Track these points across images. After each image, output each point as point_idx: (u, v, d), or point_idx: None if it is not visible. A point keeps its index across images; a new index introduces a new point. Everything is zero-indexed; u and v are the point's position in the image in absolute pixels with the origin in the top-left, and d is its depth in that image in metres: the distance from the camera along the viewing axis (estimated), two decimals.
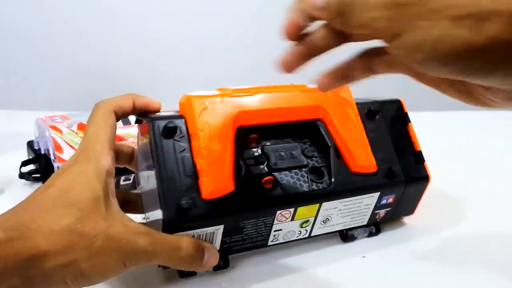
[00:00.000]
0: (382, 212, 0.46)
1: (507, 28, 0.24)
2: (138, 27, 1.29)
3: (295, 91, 0.42)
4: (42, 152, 0.58)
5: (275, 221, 0.40)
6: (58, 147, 0.55)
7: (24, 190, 0.58)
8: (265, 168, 0.40)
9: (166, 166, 0.36)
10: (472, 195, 0.58)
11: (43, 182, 0.57)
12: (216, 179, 0.36)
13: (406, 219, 0.51)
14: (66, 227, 0.31)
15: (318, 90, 0.34)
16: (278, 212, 0.40)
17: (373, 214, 0.46)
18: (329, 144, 0.42)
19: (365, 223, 0.46)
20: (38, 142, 0.60)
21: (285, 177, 0.40)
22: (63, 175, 0.35)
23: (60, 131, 0.57)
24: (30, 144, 0.63)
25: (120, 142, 0.43)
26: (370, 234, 0.47)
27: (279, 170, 0.40)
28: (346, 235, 0.46)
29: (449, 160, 0.71)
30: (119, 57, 1.29)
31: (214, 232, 0.38)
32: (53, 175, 0.35)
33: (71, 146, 0.54)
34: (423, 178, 0.47)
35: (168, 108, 0.42)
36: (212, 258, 0.37)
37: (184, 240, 0.35)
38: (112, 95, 0.42)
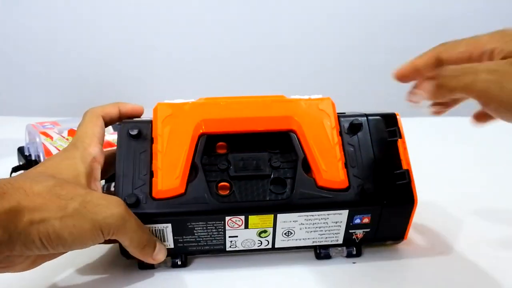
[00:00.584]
0: (359, 233, 0.44)
1: None
2: (130, 35, 1.29)
3: (270, 101, 0.43)
4: (33, 158, 0.59)
5: (227, 227, 0.41)
6: (48, 153, 0.56)
7: None
8: (225, 175, 0.41)
9: (125, 164, 0.40)
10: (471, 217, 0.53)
11: None
12: (166, 181, 0.39)
13: (400, 245, 0.47)
14: (45, 188, 0.34)
15: (293, 101, 0.39)
16: (228, 218, 0.40)
17: (348, 233, 0.43)
18: (298, 156, 0.42)
19: (340, 242, 0.44)
20: (28, 148, 0.60)
21: (244, 186, 0.41)
22: (50, 159, 0.39)
23: (51, 137, 0.57)
24: (20, 150, 0.63)
25: (110, 148, 0.44)
26: (349, 255, 0.45)
27: (238, 178, 0.41)
28: (319, 253, 0.44)
29: (456, 172, 0.67)
30: (110, 65, 1.30)
31: (163, 229, 0.40)
32: (41, 162, 0.39)
33: None
34: (407, 200, 0.42)
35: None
36: (160, 253, 0.40)
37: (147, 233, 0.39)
38: (103, 102, 0.44)
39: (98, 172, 0.40)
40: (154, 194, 0.39)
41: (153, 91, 1.28)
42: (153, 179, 0.40)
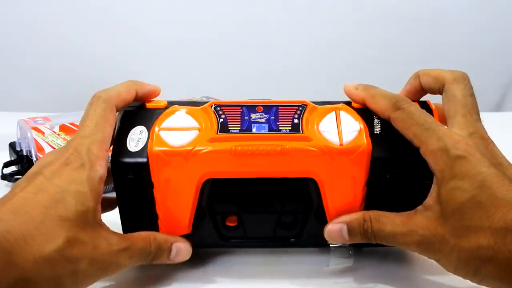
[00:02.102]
0: None
1: None
2: (124, 29, 1.27)
3: (290, 151, 0.36)
4: (24, 153, 0.58)
5: None
6: (40, 149, 0.56)
7: (6, 191, 0.58)
8: (233, 208, 0.39)
9: (128, 205, 0.39)
10: None
11: None
12: (172, 225, 0.39)
13: None
14: (55, 252, 0.31)
15: (320, 152, 0.36)
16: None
17: None
18: (312, 202, 0.39)
19: None
20: (20, 143, 0.60)
21: (253, 220, 0.40)
22: (53, 180, 0.33)
23: (42, 133, 0.57)
24: (12, 146, 0.63)
25: None
26: None
27: (247, 211, 0.40)
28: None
29: None
30: (103, 59, 1.29)
31: None
32: (42, 174, 0.33)
33: (53, 148, 0.55)
34: None
35: None
36: (182, 252, 0.39)
37: (149, 237, 0.37)
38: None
39: (101, 193, 0.35)
40: (160, 232, 0.39)
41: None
42: (159, 221, 0.39)
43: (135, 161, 0.37)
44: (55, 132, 0.58)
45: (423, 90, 0.41)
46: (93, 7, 1.24)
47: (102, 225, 0.35)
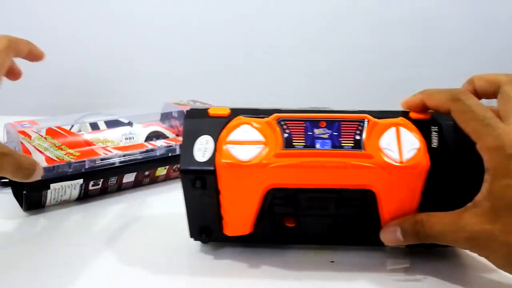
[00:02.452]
0: None
1: None
2: (115, 34, 1.26)
3: (351, 167, 0.38)
4: None
5: None
6: (27, 152, 0.56)
7: None
8: (292, 211, 0.42)
9: (194, 207, 0.42)
10: None
11: (12, 188, 0.58)
12: (235, 226, 0.42)
13: None
14: None
15: (381, 167, 0.38)
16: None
17: None
18: (368, 209, 0.41)
19: None
20: None
21: (309, 221, 0.43)
22: None
23: (29, 136, 0.58)
24: None
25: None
26: None
27: (305, 215, 0.43)
28: None
29: None
30: (93, 64, 1.28)
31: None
32: None
33: (40, 151, 0.55)
34: None
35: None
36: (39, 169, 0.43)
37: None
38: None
39: None
40: (224, 232, 0.43)
41: (138, 90, 1.27)
42: (223, 221, 0.42)
43: (202, 171, 0.39)
44: (42, 136, 0.59)
45: (477, 95, 0.41)
46: (81, 12, 1.24)
47: None
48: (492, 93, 0.40)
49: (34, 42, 0.53)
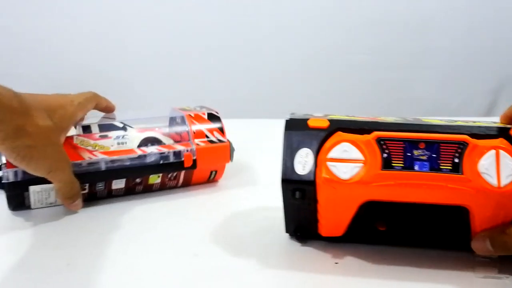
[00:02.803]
0: None
1: None
2: (113, 36, 1.27)
3: (448, 189, 0.39)
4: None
5: None
6: None
7: None
8: (385, 218, 0.45)
9: (293, 211, 0.45)
10: None
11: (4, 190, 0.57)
12: (330, 229, 0.45)
13: None
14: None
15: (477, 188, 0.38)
16: None
17: None
18: (460, 221, 0.42)
19: None
20: None
21: (400, 226, 0.46)
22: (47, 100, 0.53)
23: None
24: None
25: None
26: None
27: (396, 221, 0.45)
28: None
29: None
30: (92, 66, 1.28)
31: None
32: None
33: None
34: None
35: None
36: (79, 204, 0.53)
37: (74, 180, 0.52)
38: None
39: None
40: (319, 232, 0.46)
41: (136, 93, 1.27)
42: (318, 224, 0.45)
43: (303, 183, 0.42)
44: None
45: None
46: (81, 13, 1.23)
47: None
48: None
49: (34, 42, 0.54)
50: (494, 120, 0.43)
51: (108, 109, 0.61)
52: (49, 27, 1.25)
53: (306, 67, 1.28)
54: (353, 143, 0.41)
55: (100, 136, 0.57)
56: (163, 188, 0.61)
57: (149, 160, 0.57)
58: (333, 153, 0.41)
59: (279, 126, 0.44)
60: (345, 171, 0.40)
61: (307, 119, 0.44)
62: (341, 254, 0.46)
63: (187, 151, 0.59)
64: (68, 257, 0.45)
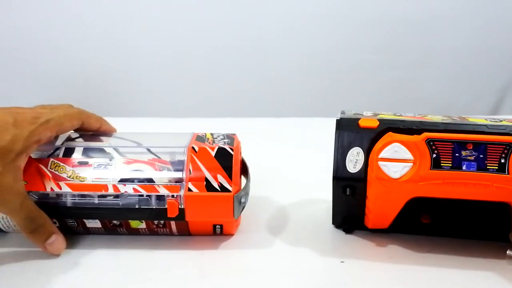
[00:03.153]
0: None
1: None
2: (118, 35, 1.26)
3: (494, 188, 0.42)
4: None
5: None
6: None
7: None
8: (429, 212, 0.48)
9: (342, 205, 0.48)
10: None
11: None
12: (376, 223, 0.48)
13: None
14: None
15: None
16: None
17: None
18: (500, 215, 0.44)
19: None
20: None
21: (444, 220, 0.48)
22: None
23: None
24: None
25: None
26: None
27: (440, 214, 0.48)
28: None
29: None
30: (96, 65, 1.27)
31: None
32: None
33: None
34: None
35: None
36: (57, 243, 0.46)
37: (40, 218, 0.45)
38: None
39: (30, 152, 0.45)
40: (366, 224, 0.49)
41: (140, 91, 1.29)
42: (365, 217, 0.48)
43: (354, 180, 0.45)
44: None
45: None
46: (86, 12, 1.23)
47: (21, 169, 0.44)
48: None
49: (38, 40, 0.55)
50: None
51: (104, 131, 0.51)
52: (58, 28, 1.28)
53: (313, 66, 1.29)
54: (404, 143, 0.43)
55: (79, 162, 0.48)
56: (154, 234, 0.49)
57: (122, 202, 0.46)
58: (384, 153, 0.44)
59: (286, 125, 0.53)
60: (395, 170, 0.43)
61: (358, 119, 0.46)
62: (384, 242, 0.49)
63: (173, 196, 0.45)
64: None
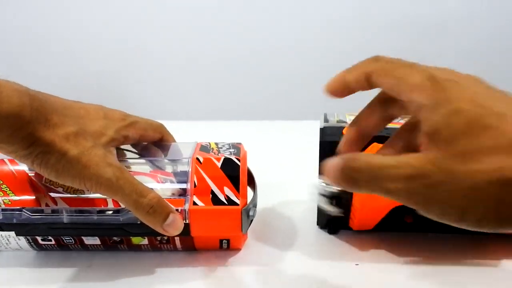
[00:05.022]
0: None
1: None
2: (125, 37, 1.27)
3: None
4: None
5: None
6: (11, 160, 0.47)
7: None
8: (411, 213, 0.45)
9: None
10: None
11: None
12: (361, 225, 0.49)
13: None
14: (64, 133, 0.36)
15: None
16: None
17: None
18: None
19: None
20: None
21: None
22: (88, 110, 0.43)
23: None
24: None
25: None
26: None
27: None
28: None
29: None
30: (106, 68, 1.29)
31: None
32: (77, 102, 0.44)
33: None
34: None
35: None
36: (176, 223, 0.39)
37: (152, 193, 0.38)
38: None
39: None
40: (350, 226, 0.50)
41: (152, 95, 1.31)
42: (350, 220, 0.49)
43: (339, 193, 0.44)
44: None
45: None
46: (93, 15, 1.24)
47: (111, 150, 0.43)
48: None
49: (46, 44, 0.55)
50: None
51: (164, 141, 0.50)
52: (69, 31, 1.29)
53: (325, 70, 1.18)
54: None
55: None
56: (157, 250, 0.46)
57: (123, 217, 0.43)
58: None
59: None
60: None
61: (342, 128, 0.45)
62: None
63: (177, 211, 0.42)
64: None
